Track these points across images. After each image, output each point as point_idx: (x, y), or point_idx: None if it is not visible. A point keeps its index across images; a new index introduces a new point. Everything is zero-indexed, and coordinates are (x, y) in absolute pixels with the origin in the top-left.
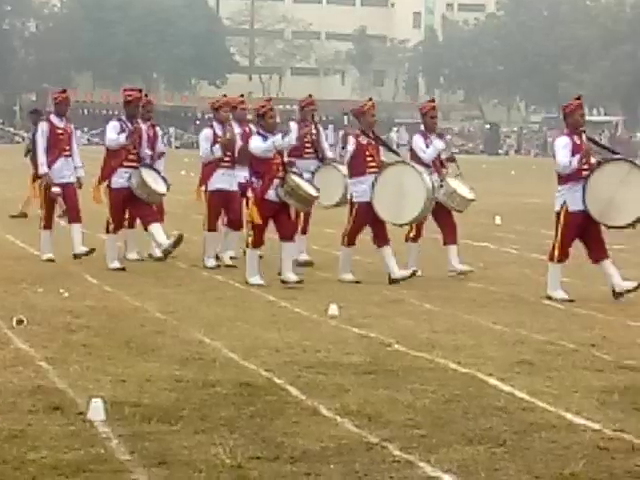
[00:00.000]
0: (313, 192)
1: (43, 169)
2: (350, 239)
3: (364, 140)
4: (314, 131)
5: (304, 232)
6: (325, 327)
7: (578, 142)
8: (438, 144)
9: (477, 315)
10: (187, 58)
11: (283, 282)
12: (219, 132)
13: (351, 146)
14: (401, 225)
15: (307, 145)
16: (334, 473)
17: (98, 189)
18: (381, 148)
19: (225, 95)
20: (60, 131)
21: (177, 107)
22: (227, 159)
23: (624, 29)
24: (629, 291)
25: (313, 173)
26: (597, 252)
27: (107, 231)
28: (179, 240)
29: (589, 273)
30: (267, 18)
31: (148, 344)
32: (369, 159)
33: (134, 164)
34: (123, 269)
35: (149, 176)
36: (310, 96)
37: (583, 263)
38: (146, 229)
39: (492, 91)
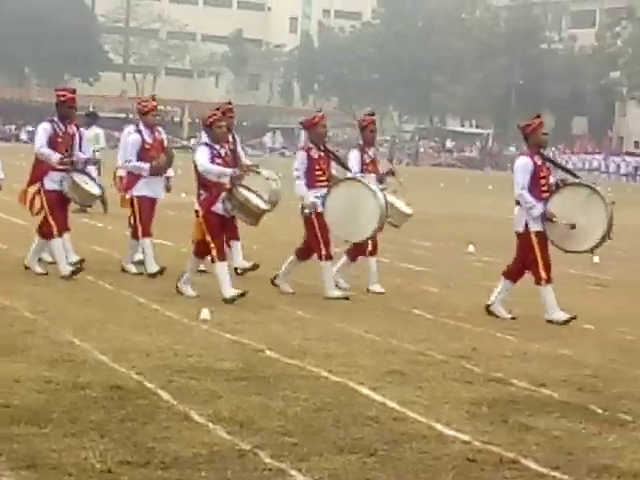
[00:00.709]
0: (262, 205)
1: None
2: (326, 252)
3: (315, 154)
4: (231, 139)
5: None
6: (197, 331)
7: (539, 162)
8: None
9: (349, 323)
10: (60, 54)
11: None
12: (148, 139)
13: (301, 161)
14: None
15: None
16: None
17: (27, 192)
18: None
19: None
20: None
21: (50, 103)
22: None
23: (498, 43)
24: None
25: None
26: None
27: (43, 236)
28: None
29: (456, 284)
30: (142, 17)
31: (17, 344)
32: (318, 173)
33: (66, 167)
34: (77, 272)
35: (81, 179)
36: (229, 103)
37: (452, 274)
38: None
39: (366, 99)
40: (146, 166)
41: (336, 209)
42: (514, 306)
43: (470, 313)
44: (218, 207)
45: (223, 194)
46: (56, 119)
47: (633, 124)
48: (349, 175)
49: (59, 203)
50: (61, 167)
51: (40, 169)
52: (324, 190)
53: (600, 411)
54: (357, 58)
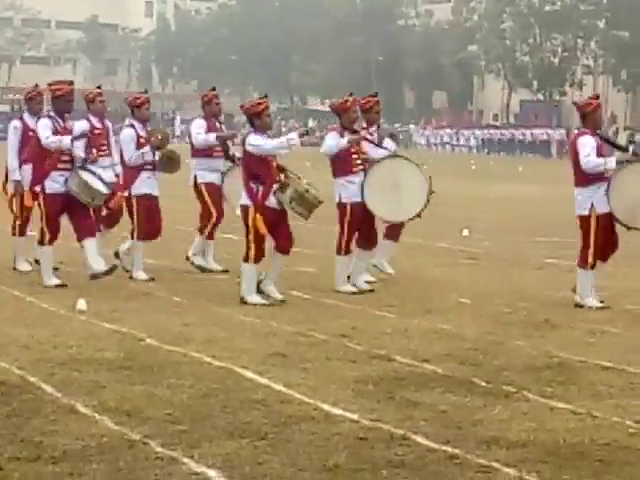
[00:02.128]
0: (319, 196)
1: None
2: (347, 247)
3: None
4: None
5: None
6: (75, 322)
7: (599, 142)
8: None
9: (227, 307)
10: None
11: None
12: (142, 132)
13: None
14: (404, 221)
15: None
16: (98, 472)
17: (29, 194)
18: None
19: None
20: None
21: None
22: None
23: (355, 21)
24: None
25: (223, 173)
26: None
27: (41, 243)
28: (112, 270)
29: (324, 262)
30: None
31: None
32: (355, 157)
33: (68, 166)
34: (64, 285)
35: (88, 177)
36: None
37: (321, 254)
38: (79, 241)
39: (225, 80)
40: (146, 150)
41: (379, 189)
42: (395, 284)
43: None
44: (271, 200)
45: (275, 186)
46: (53, 114)
47: (491, 97)
48: (385, 153)
49: (59, 209)
50: (62, 165)
51: (41, 169)
52: (362, 175)
53: (483, 384)
54: (214, 40)
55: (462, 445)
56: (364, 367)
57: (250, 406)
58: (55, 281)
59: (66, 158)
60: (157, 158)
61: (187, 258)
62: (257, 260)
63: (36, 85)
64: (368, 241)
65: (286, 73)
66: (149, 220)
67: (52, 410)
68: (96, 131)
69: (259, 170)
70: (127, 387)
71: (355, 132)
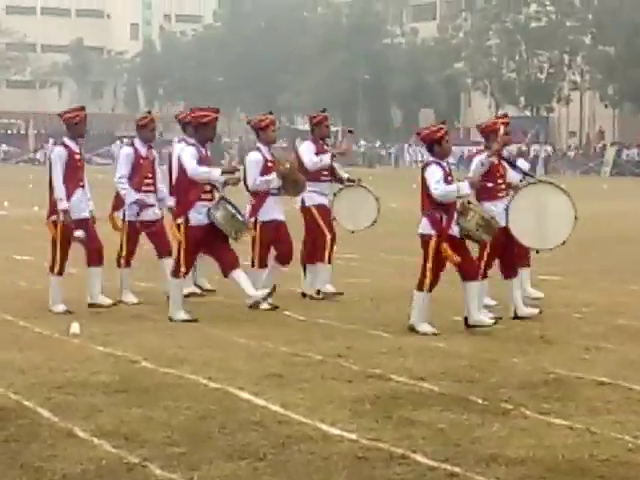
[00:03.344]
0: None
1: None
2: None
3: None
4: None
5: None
6: (69, 346)
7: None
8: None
9: (221, 329)
10: None
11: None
12: (268, 156)
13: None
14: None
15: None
16: None
17: (174, 227)
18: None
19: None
20: (78, 157)
21: None
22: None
23: (341, 39)
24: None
25: (334, 195)
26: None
27: (175, 275)
28: (272, 292)
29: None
30: None
31: None
32: (500, 182)
33: (209, 196)
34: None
35: (232, 209)
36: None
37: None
38: (226, 276)
39: (212, 102)
40: (273, 176)
41: (523, 220)
42: (388, 303)
43: (341, 312)
44: (454, 230)
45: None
46: (194, 141)
47: (479, 114)
48: (526, 180)
49: (200, 241)
50: (205, 196)
51: (186, 200)
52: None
53: (480, 401)
54: (200, 61)
55: (461, 463)
56: (361, 386)
57: (248, 427)
58: (184, 316)
59: (208, 188)
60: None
61: (318, 292)
62: (431, 289)
63: (149, 112)
64: (511, 267)
65: (273, 93)
66: (278, 246)
67: (50, 434)
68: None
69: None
70: (124, 410)
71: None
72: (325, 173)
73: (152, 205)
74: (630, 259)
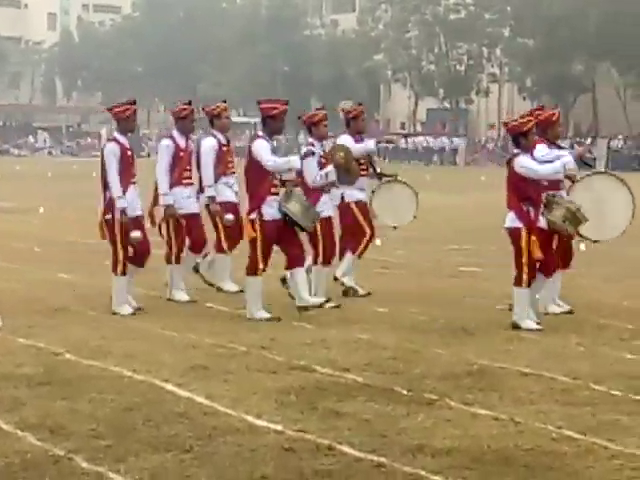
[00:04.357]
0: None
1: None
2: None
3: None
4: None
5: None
6: None
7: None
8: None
9: (145, 321)
10: None
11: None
12: (318, 150)
13: None
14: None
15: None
16: None
17: (248, 224)
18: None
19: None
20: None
21: None
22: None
23: (260, 31)
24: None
25: (372, 191)
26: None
27: (253, 273)
28: (327, 301)
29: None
30: None
31: None
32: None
33: (278, 190)
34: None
35: (305, 200)
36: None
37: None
38: (289, 269)
39: (131, 92)
40: (330, 170)
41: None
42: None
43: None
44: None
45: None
46: (262, 134)
47: (398, 106)
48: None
49: (275, 236)
50: (274, 190)
51: (258, 194)
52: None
53: (405, 392)
54: (119, 52)
55: (388, 454)
56: (285, 378)
57: (173, 419)
58: (264, 315)
59: (276, 182)
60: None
61: (335, 278)
62: (529, 283)
63: (189, 102)
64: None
65: (193, 84)
66: (332, 243)
67: None
68: (224, 148)
69: (529, 191)
70: (48, 403)
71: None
72: (364, 168)
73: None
74: None
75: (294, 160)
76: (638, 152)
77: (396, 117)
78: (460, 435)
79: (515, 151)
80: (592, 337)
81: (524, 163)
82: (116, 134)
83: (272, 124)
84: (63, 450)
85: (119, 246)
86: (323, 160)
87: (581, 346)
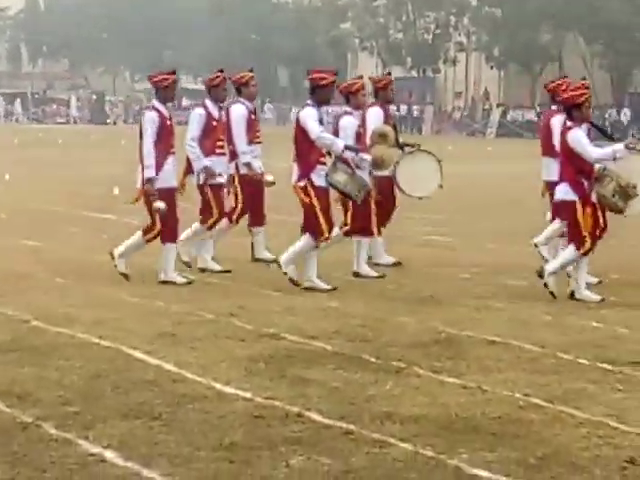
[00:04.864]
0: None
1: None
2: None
3: None
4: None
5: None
6: None
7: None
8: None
9: (112, 288)
10: None
11: None
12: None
13: None
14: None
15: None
16: None
17: (300, 188)
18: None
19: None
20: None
21: None
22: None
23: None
24: None
25: (396, 163)
26: None
27: (319, 239)
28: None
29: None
30: None
31: None
32: None
33: (325, 159)
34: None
35: (350, 169)
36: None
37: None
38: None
39: (97, 60)
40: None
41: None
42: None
43: (233, 271)
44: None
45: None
46: (311, 102)
47: (365, 75)
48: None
49: (329, 203)
50: (323, 159)
51: (308, 162)
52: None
53: (373, 360)
54: (85, 18)
55: (356, 421)
56: (254, 345)
57: (142, 386)
58: (322, 284)
59: (325, 151)
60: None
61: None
62: (587, 252)
63: (221, 70)
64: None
65: (159, 52)
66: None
67: None
68: (252, 116)
69: (584, 164)
70: (16, 369)
71: None
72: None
73: (220, 174)
74: (516, 221)
75: (339, 143)
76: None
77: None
78: (428, 403)
79: (568, 123)
80: (559, 306)
81: (579, 140)
82: (155, 102)
83: (321, 94)
84: (31, 417)
85: (156, 217)
86: (360, 130)
87: (548, 315)
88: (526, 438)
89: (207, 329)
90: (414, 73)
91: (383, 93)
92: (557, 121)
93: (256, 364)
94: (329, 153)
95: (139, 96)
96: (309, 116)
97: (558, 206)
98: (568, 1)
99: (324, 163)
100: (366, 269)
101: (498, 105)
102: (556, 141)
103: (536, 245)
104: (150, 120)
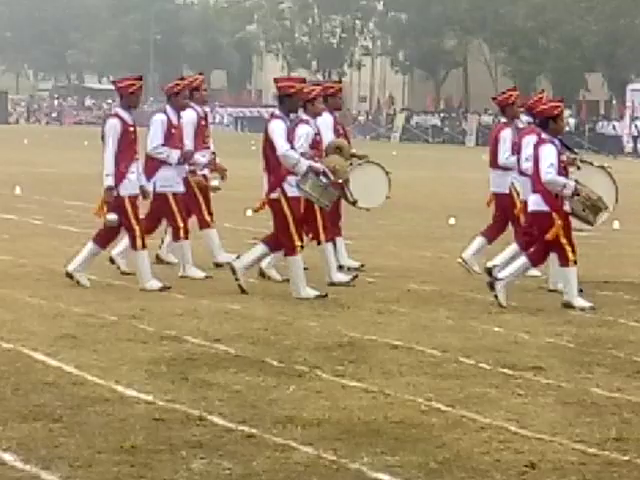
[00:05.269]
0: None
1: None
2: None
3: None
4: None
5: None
6: None
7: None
8: None
9: (12, 289)
10: None
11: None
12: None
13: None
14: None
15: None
16: None
17: (272, 201)
18: None
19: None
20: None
21: None
22: None
23: None
24: None
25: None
26: None
27: (293, 253)
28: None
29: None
30: None
31: None
32: None
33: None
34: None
35: (319, 179)
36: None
37: None
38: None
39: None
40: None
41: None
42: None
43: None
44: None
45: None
46: (279, 113)
47: (271, 77)
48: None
49: (300, 213)
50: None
51: (280, 173)
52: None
53: (276, 363)
54: None
55: (258, 424)
56: (156, 348)
57: (42, 388)
58: (312, 292)
59: None
60: None
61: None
62: (575, 261)
63: (182, 78)
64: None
65: (63, 51)
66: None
67: None
68: (202, 122)
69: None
70: None
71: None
72: None
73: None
74: (419, 226)
75: (303, 164)
76: None
77: (268, 88)
78: (330, 407)
79: (543, 136)
80: (461, 311)
81: (545, 156)
82: (118, 109)
83: (290, 103)
84: None
85: (133, 221)
86: (317, 138)
87: (450, 319)
88: (427, 442)
89: (109, 331)
90: (319, 76)
91: (333, 100)
92: (505, 134)
93: (158, 367)
94: None
95: (42, 95)
96: (276, 131)
97: (532, 217)
98: (473, 7)
99: (295, 173)
100: (338, 276)
101: (402, 110)
102: (502, 154)
103: (465, 261)
104: (112, 128)
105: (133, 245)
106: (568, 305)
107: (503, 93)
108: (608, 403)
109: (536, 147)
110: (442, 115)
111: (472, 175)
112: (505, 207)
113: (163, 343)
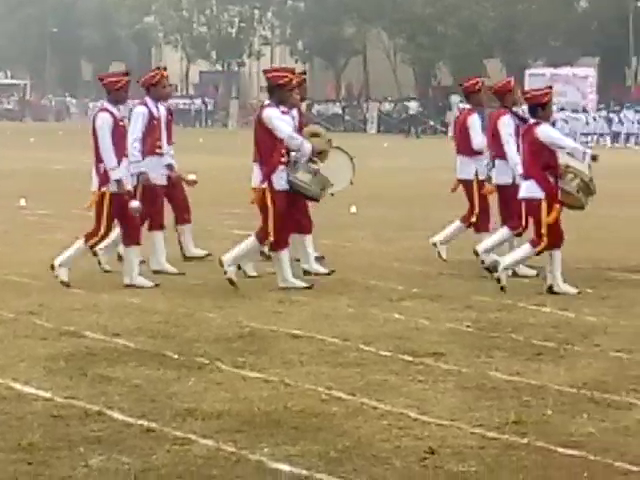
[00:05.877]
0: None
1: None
2: None
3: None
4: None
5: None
6: None
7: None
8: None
9: None
10: None
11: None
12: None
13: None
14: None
15: None
16: None
17: (259, 190)
18: None
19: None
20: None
21: None
22: None
23: None
24: None
25: None
26: None
27: (274, 249)
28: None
29: (14, 239)
30: None
31: None
32: None
33: (286, 160)
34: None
35: (314, 167)
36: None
37: (9, 230)
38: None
39: None
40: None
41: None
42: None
43: (34, 268)
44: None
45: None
46: (271, 102)
47: (170, 68)
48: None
49: (286, 206)
50: (284, 159)
51: (270, 164)
52: None
53: (176, 356)
54: None
55: (158, 418)
56: (55, 344)
57: None
58: (300, 283)
59: (284, 151)
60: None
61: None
62: (560, 245)
63: (158, 68)
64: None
65: None
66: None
67: None
68: (169, 117)
69: (551, 160)
70: None
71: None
72: None
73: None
74: (320, 214)
75: (307, 147)
76: (405, 116)
77: (169, 80)
78: (231, 398)
79: (532, 120)
80: (362, 298)
81: (548, 133)
82: (106, 104)
83: (280, 93)
84: None
85: (104, 222)
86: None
87: (351, 307)
88: (328, 431)
89: (6, 328)
90: (219, 67)
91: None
92: (474, 120)
93: (56, 363)
94: (288, 152)
95: None
96: (274, 115)
97: (525, 203)
98: None
99: (285, 163)
100: (315, 266)
101: (303, 99)
102: (476, 140)
103: (435, 244)
104: (104, 121)
105: (88, 238)
106: (550, 290)
107: (468, 79)
108: (507, 387)
109: (528, 132)
110: (343, 103)
111: (374, 163)
112: (471, 193)
113: (62, 339)
